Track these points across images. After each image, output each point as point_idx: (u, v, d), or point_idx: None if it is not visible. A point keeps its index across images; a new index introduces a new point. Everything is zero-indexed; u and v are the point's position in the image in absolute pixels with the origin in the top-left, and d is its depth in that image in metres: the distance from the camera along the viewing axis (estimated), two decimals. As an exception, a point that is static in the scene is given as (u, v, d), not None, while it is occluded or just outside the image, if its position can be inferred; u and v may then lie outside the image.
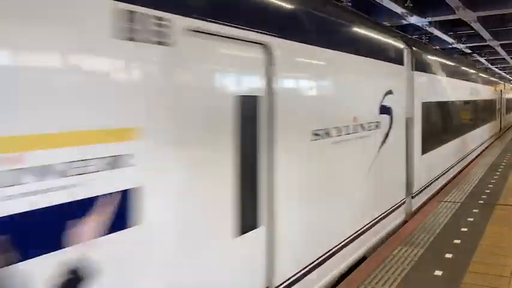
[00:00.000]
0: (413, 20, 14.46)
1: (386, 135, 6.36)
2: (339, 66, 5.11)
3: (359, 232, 5.54)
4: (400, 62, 7.14)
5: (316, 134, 4.51)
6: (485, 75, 18.98)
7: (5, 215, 1.96)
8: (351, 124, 5.24)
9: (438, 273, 5.06)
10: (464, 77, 13.78)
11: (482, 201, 8.35)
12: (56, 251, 2.09)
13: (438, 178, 9.63)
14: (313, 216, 4.52)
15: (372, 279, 4.96)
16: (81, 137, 2.25)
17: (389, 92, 6.46)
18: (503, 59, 29.49)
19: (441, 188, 9.63)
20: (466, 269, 5.14)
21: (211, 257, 3.16)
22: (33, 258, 2.04)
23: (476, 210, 7.68)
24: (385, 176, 6.37)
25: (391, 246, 6.01)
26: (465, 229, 6.66)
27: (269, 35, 3.74)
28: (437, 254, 5.66)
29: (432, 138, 8.90)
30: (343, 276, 5.05)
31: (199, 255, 3.03)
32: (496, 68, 35.06)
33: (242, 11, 3.60)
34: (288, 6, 4.29)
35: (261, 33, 3.64)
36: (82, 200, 2.24)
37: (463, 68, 14.02)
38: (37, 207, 2.07)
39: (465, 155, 12.92)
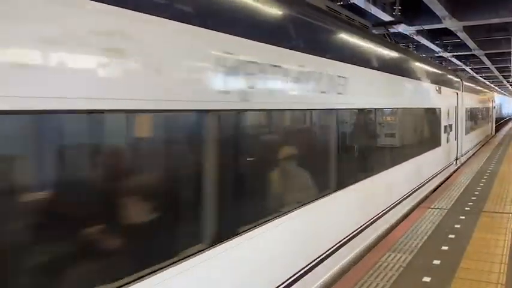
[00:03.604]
0: (401, 28, 14.66)
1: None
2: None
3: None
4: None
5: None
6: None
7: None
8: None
9: (426, 279, 5.07)
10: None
11: (468, 208, 8.43)
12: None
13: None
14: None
15: (361, 285, 4.95)
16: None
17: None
18: (488, 68, 29.98)
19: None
20: (454, 275, 5.16)
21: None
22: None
23: (463, 217, 7.75)
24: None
25: (380, 252, 6.02)
26: (452, 236, 6.70)
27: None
28: (426, 260, 5.68)
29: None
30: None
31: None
32: (481, 77, 35.60)
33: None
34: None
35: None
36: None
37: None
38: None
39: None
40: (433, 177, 10.61)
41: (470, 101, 17.18)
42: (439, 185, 10.94)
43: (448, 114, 12.19)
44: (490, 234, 6.72)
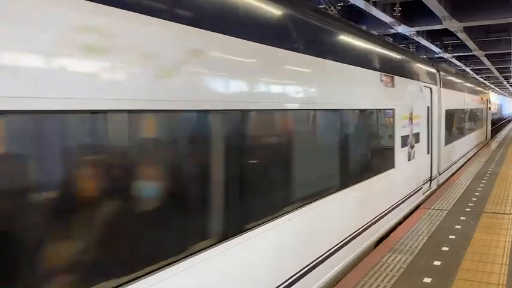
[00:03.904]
0: (401, 29, 14.67)
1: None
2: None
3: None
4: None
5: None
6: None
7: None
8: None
9: (427, 280, 5.07)
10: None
11: (469, 209, 8.42)
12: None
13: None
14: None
15: (362, 286, 4.95)
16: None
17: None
18: (488, 69, 29.99)
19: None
20: (454, 276, 5.16)
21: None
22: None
23: (464, 218, 7.74)
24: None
25: (380, 253, 6.02)
26: (453, 236, 6.70)
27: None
28: (426, 261, 5.68)
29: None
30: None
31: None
32: (481, 77, 35.64)
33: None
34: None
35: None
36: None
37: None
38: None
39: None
40: (368, 226, 6.51)
41: (453, 100, 13.27)
42: (393, 229, 7.40)
43: (411, 118, 8.61)
44: (490, 235, 6.71)
